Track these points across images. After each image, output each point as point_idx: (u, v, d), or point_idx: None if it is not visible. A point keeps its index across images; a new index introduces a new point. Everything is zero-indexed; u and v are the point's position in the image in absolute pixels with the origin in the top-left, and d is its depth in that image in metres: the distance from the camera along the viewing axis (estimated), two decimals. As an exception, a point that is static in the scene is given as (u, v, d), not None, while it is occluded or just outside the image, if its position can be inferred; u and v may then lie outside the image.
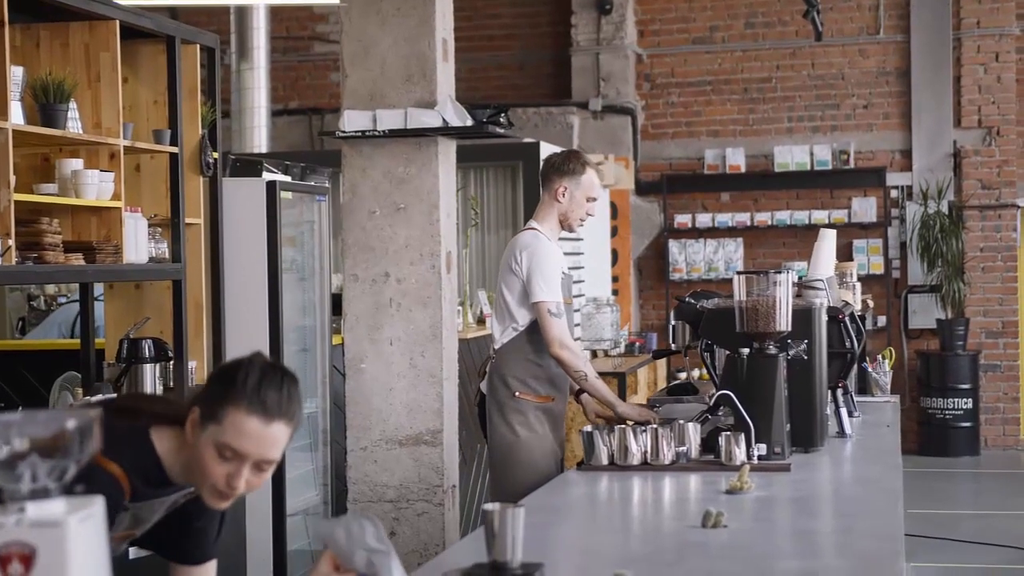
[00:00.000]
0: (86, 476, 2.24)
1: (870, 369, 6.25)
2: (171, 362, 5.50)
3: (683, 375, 10.12)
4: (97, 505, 1.74)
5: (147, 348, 5.34)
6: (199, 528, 2.84)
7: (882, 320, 12.31)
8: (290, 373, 2.66)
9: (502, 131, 5.77)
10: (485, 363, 5.36)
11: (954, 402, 11.98)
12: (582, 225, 5.32)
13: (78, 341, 5.79)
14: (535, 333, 5.09)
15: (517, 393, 5.10)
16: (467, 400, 6.61)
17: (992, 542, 8.48)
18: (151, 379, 5.32)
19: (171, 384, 5.53)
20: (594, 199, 5.24)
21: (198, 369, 5.76)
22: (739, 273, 4.36)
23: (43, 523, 1.68)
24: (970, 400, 12.01)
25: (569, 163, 5.20)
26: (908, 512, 8.76)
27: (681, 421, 4.25)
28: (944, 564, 8.07)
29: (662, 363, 10.65)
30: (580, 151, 5.47)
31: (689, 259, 12.67)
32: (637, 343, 10.49)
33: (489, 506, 2.66)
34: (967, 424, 12.03)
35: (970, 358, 12.07)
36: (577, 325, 9.56)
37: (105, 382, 5.29)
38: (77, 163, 4.95)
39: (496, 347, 5.21)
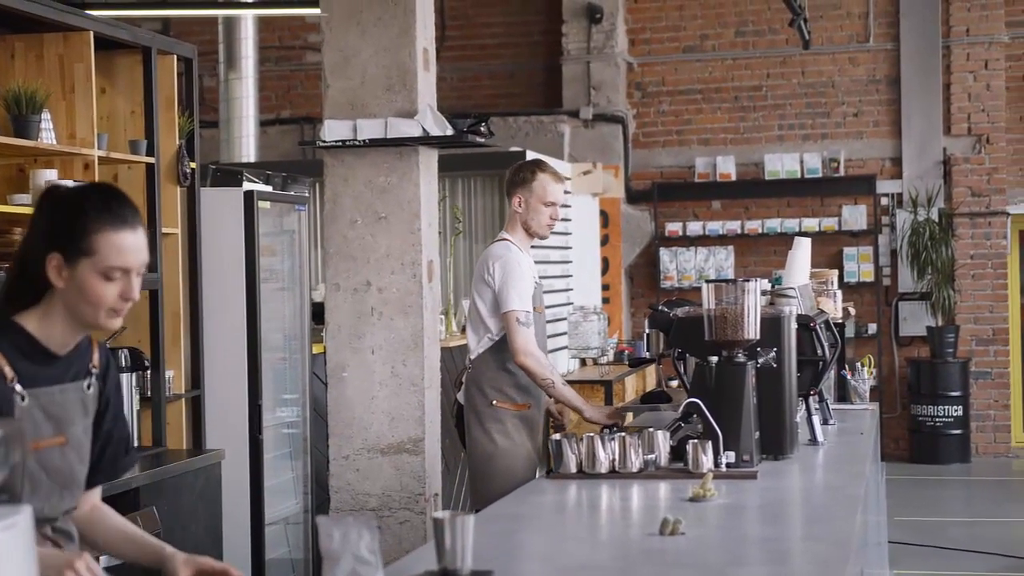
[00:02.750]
0: None
1: (849, 377, 6.25)
2: (148, 371, 5.51)
3: (675, 383, 10.12)
4: (23, 514, 1.75)
5: (124, 357, 5.35)
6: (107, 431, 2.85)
7: (872, 327, 12.32)
8: (109, 184, 2.79)
9: (482, 140, 5.78)
10: (461, 374, 5.41)
11: (944, 409, 11.98)
12: (551, 229, 5.36)
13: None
14: None
15: (494, 402, 5.17)
16: (449, 409, 6.62)
17: (981, 549, 8.48)
18: (128, 388, 5.33)
19: (148, 394, 5.54)
20: (552, 203, 5.27)
21: (175, 379, 5.77)
22: (708, 281, 4.37)
23: (-35, 532, 1.69)
24: (960, 407, 12.01)
25: (519, 173, 5.30)
26: (896, 519, 8.77)
27: (651, 429, 4.26)
28: (931, 572, 8.07)
29: (651, 371, 10.66)
30: (538, 160, 5.53)
31: (680, 267, 12.68)
32: (627, 351, 10.49)
33: (438, 514, 2.69)
34: (957, 431, 12.03)
35: (960, 365, 12.08)
36: (563, 334, 9.59)
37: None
38: (51, 173, 4.97)
39: (472, 357, 5.28)
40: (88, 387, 2.78)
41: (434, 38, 5.76)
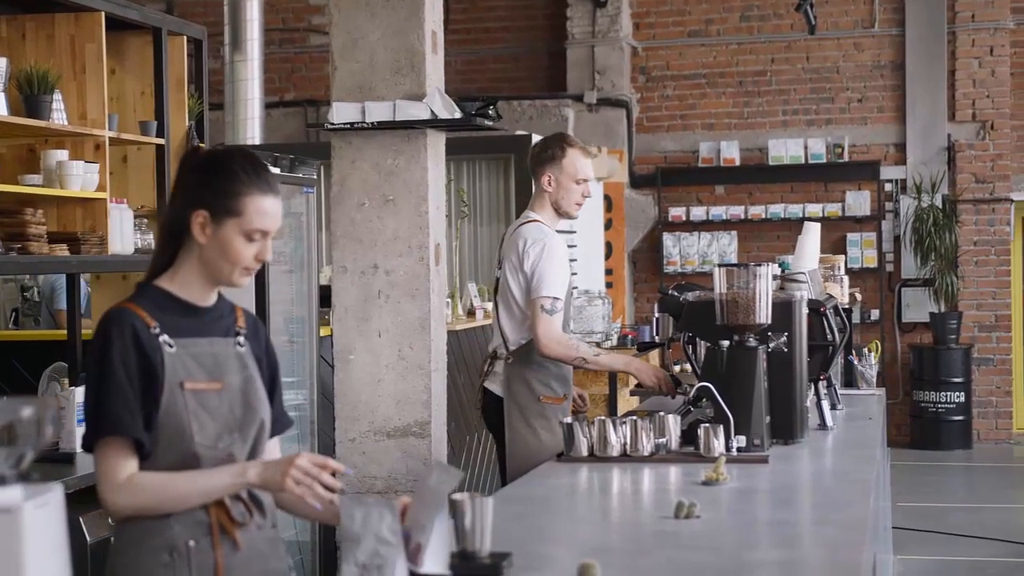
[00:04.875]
0: (104, 328, 2.70)
1: (856, 362, 6.26)
2: (157, 352, 5.51)
3: (677, 368, 10.13)
4: (55, 492, 1.76)
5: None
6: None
7: (875, 313, 12.33)
8: (253, 151, 2.93)
9: (490, 123, 5.76)
10: (488, 362, 5.30)
11: (946, 395, 12.00)
12: (580, 208, 5.20)
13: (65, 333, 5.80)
14: None
15: (541, 397, 5.05)
16: (456, 392, 6.62)
17: (982, 535, 8.50)
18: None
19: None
20: (583, 180, 5.11)
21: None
22: (719, 266, 4.37)
23: (-2, 509, 1.70)
24: (962, 394, 12.03)
25: (548, 150, 5.13)
26: (898, 505, 8.79)
27: (661, 413, 4.26)
28: (933, 557, 8.09)
29: (656, 355, 10.67)
30: (563, 134, 5.37)
31: (683, 252, 12.69)
32: (630, 336, 10.49)
33: (457, 496, 2.69)
34: (959, 418, 12.05)
35: (963, 352, 12.09)
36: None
37: (91, 372, 5.30)
38: (62, 154, 4.97)
39: (512, 348, 5.12)
40: (239, 345, 2.89)
41: (442, 21, 5.75)
